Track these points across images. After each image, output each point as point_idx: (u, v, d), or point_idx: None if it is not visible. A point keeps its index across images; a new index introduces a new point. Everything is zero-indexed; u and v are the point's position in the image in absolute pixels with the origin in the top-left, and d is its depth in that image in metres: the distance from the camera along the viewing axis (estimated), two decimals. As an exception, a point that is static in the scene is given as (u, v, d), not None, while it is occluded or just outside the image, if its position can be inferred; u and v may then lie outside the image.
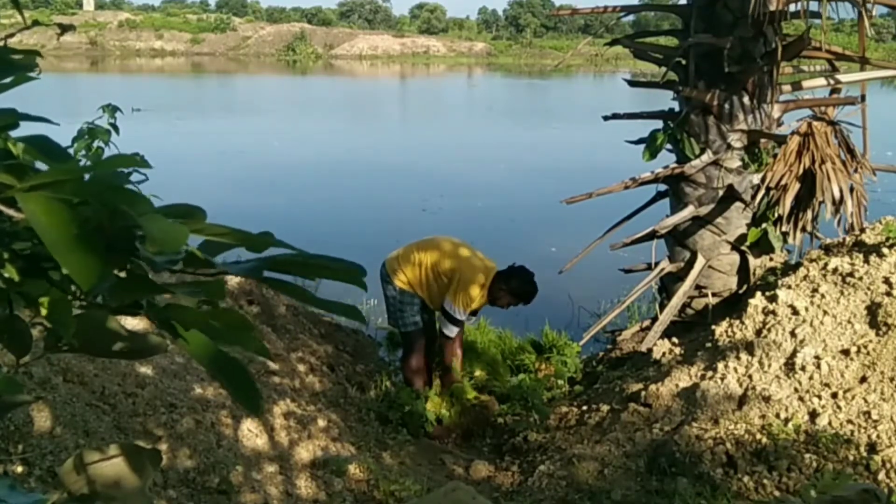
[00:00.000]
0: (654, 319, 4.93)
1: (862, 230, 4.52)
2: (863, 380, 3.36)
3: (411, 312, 4.39)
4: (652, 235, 4.98)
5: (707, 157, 4.68)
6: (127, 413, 2.73)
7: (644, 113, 5.13)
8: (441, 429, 4.31)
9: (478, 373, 4.69)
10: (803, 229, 4.54)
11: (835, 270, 4.00)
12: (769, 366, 3.57)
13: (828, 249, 4.58)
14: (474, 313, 4.52)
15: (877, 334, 3.55)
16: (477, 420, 4.34)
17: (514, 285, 4.27)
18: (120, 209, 0.51)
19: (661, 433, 3.46)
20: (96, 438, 2.44)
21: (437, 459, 4.05)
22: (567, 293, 6.56)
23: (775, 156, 4.62)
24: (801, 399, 3.36)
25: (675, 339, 4.48)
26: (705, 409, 3.49)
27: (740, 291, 4.78)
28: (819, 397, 3.33)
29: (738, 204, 4.68)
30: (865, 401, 3.24)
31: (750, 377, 3.54)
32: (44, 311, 0.59)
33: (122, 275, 0.57)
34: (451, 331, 4.34)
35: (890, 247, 4.07)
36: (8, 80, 0.66)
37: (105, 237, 0.50)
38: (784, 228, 4.53)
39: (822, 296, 3.82)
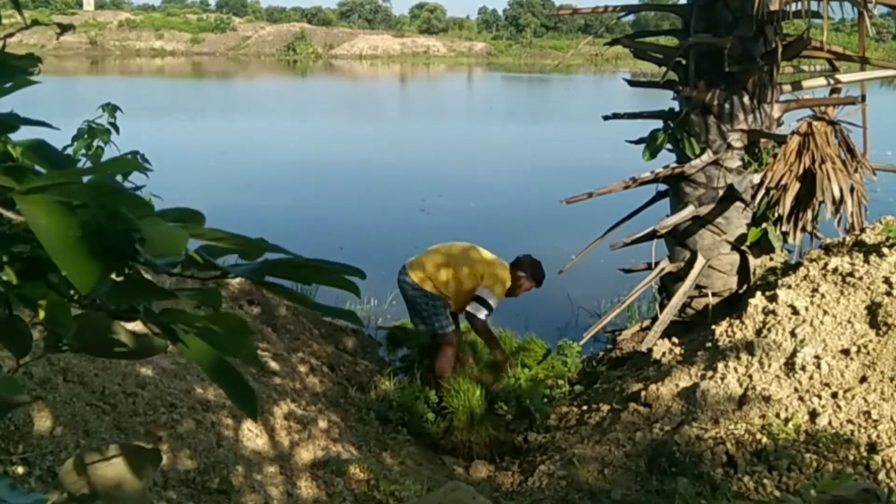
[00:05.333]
0: (654, 319, 4.93)
1: (862, 230, 4.52)
2: (863, 379, 3.36)
3: (444, 314, 4.51)
4: (652, 235, 4.98)
5: (707, 156, 4.68)
6: (127, 413, 2.73)
7: (644, 113, 5.12)
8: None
9: (478, 372, 4.69)
10: (803, 229, 4.54)
11: (835, 270, 4.00)
12: (769, 366, 3.57)
13: (828, 249, 4.58)
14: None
15: (877, 334, 3.55)
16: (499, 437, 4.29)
17: (530, 271, 4.59)
18: (120, 212, 0.51)
19: (662, 433, 3.47)
20: (96, 438, 2.44)
21: (438, 459, 4.06)
22: (567, 293, 6.56)
23: (775, 155, 4.62)
24: (801, 399, 3.36)
25: (675, 339, 4.48)
26: (705, 408, 3.49)
27: (740, 291, 4.78)
28: (819, 397, 3.33)
29: (738, 204, 4.68)
30: (865, 400, 3.24)
31: (750, 377, 3.54)
32: (42, 315, 0.59)
33: (121, 279, 0.57)
34: (482, 312, 4.47)
35: (890, 247, 4.07)
36: (8, 84, 0.66)
37: (104, 240, 0.50)
38: (784, 228, 4.53)
39: (823, 296, 3.82)
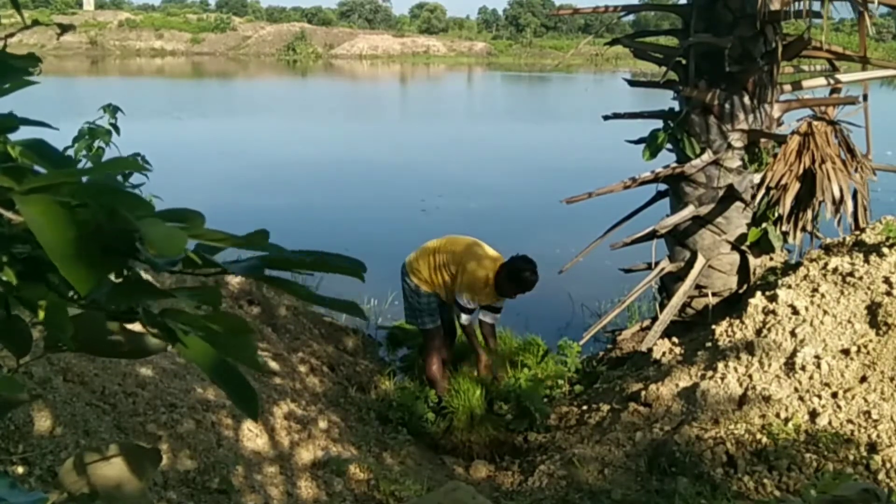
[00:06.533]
0: (654, 319, 4.93)
1: (862, 230, 4.52)
2: (863, 379, 3.36)
3: (429, 311, 4.55)
4: (652, 235, 4.98)
5: (707, 156, 4.68)
6: (127, 413, 2.73)
7: (644, 112, 5.12)
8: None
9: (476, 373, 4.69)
10: (803, 229, 4.54)
11: (835, 270, 3.99)
12: (769, 365, 3.57)
13: (828, 249, 4.58)
14: (495, 310, 4.62)
15: (877, 334, 3.55)
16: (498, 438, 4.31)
17: (509, 274, 4.37)
18: (119, 212, 0.51)
19: (662, 433, 3.46)
20: (96, 438, 2.44)
21: (437, 459, 4.06)
22: (567, 293, 6.55)
23: (775, 155, 4.62)
24: (801, 399, 3.36)
25: (675, 339, 4.48)
26: (705, 408, 3.49)
27: (740, 291, 4.78)
28: (819, 397, 3.33)
29: (738, 204, 4.68)
30: (865, 400, 3.24)
31: (750, 377, 3.54)
32: (41, 315, 0.59)
33: (120, 280, 0.57)
34: (465, 319, 4.51)
35: (890, 246, 4.06)
36: (6, 85, 0.65)
37: (103, 241, 0.50)
38: (784, 228, 4.53)
39: (823, 295, 3.81)
